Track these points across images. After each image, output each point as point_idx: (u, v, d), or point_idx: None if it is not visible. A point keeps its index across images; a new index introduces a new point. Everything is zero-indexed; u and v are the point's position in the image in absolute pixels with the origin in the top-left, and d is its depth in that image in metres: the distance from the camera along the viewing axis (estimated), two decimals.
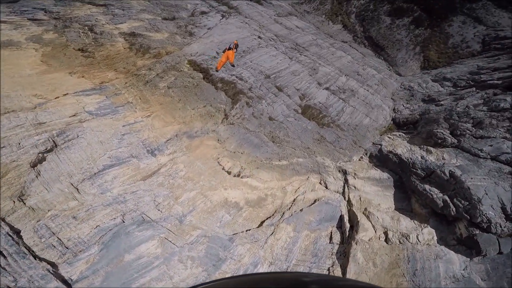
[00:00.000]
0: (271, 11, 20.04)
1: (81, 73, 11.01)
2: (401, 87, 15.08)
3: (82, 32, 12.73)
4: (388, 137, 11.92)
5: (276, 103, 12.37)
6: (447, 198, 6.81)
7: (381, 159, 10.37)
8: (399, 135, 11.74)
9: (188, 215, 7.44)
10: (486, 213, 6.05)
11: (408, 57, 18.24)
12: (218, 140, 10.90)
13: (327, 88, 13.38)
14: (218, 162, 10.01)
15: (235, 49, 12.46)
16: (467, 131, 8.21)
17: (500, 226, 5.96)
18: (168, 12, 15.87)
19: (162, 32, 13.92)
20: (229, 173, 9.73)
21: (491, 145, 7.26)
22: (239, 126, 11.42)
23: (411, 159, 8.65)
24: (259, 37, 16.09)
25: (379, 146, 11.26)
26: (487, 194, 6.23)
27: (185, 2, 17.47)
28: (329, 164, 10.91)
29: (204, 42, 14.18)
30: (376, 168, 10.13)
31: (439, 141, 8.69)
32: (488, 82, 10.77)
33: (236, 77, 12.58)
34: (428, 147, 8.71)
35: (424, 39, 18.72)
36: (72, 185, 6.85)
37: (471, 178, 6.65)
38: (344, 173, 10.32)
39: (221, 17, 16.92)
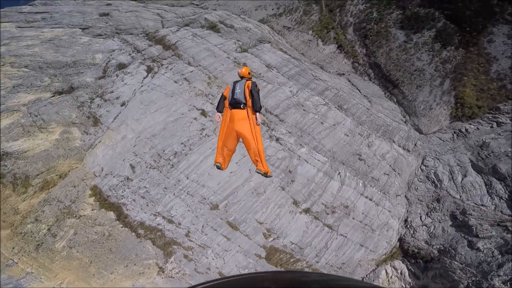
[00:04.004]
0: (231, 42, 14.29)
1: None
2: (422, 171, 10.08)
3: None
4: (386, 271, 7.84)
5: (229, 251, 7.99)
6: None
7: None
8: (401, 274, 7.61)
9: None
10: None
11: (433, 100, 12.71)
12: None
13: (307, 210, 8.65)
14: None
15: None
16: None
17: None
18: (63, 78, 10.34)
19: (49, 129, 9.08)
20: None
21: None
22: (180, 281, 7.75)
23: None
24: (203, 112, 10.78)
25: None
26: None
27: (91, 52, 11.56)
28: None
29: (112, 141, 9.36)
30: None
31: None
32: None
33: (163, 217, 8.05)
34: None
35: (456, 66, 12.91)
36: None
37: None
38: None
39: (145, 73, 11.47)
